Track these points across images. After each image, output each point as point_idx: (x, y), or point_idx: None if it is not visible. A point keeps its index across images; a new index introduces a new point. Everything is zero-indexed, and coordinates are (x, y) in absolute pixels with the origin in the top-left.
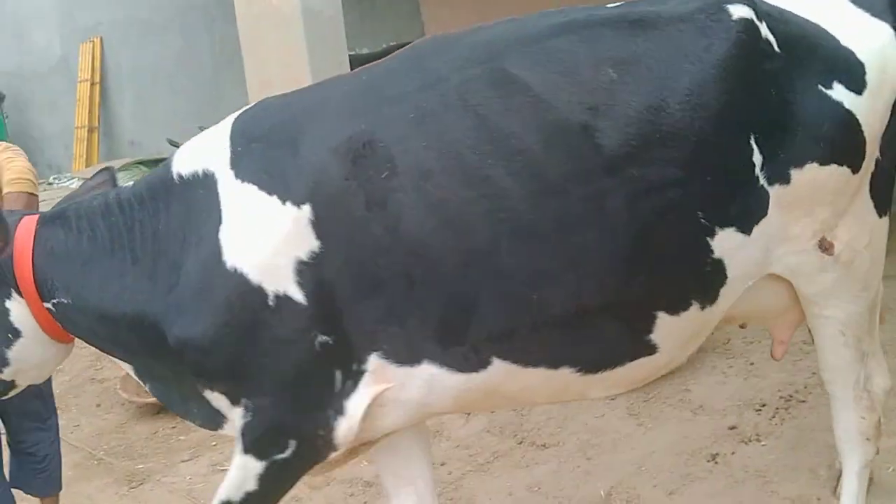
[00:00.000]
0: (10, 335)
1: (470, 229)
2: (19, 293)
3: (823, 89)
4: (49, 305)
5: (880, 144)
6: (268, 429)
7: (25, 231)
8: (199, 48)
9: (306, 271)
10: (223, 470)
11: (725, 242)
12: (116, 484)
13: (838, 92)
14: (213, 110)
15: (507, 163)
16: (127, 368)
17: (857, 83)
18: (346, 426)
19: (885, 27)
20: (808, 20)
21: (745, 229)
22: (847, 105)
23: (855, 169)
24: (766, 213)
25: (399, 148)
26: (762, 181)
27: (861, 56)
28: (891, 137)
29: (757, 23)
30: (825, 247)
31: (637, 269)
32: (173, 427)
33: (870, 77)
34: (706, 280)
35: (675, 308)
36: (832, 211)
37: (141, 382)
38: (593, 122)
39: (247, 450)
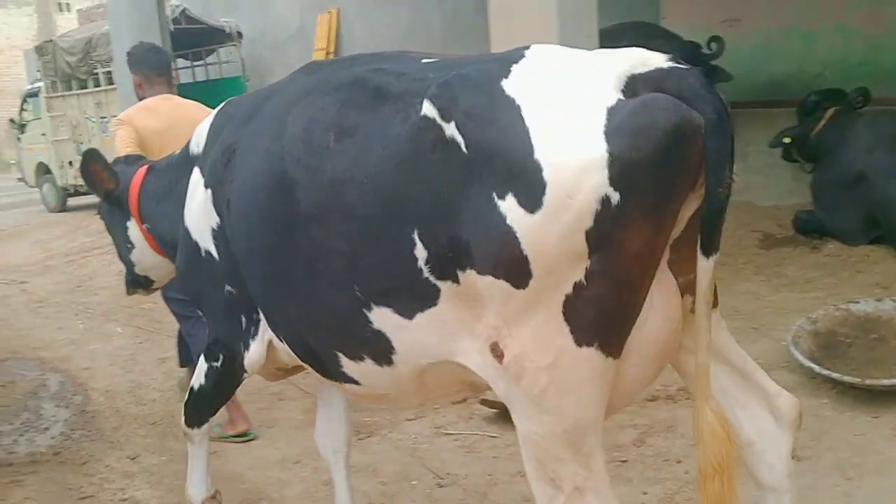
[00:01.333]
0: (129, 245)
1: (246, 237)
2: (131, 217)
3: (496, 199)
4: (146, 226)
5: (586, 270)
6: (212, 341)
7: (138, 175)
8: (430, 22)
9: (218, 237)
10: (447, 434)
11: (383, 319)
12: None
13: (507, 205)
14: (456, 38)
15: (258, 194)
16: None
17: (531, 201)
18: (251, 359)
19: (597, 148)
20: (513, 120)
21: (405, 314)
22: (510, 220)
23: (517, 285)
24: (434, 305)
25: (238, 162)
26: (427, 274)
27: (547, 174)
28: (600, 267)
29: (440, 122)
30: (496, 353)
31: (318, 312)
32: None
33: (549, 198)
34: (372, 343)
35: (352, 356)
36: (501, 320)
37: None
38: (302, 181)
39: (203, 352)
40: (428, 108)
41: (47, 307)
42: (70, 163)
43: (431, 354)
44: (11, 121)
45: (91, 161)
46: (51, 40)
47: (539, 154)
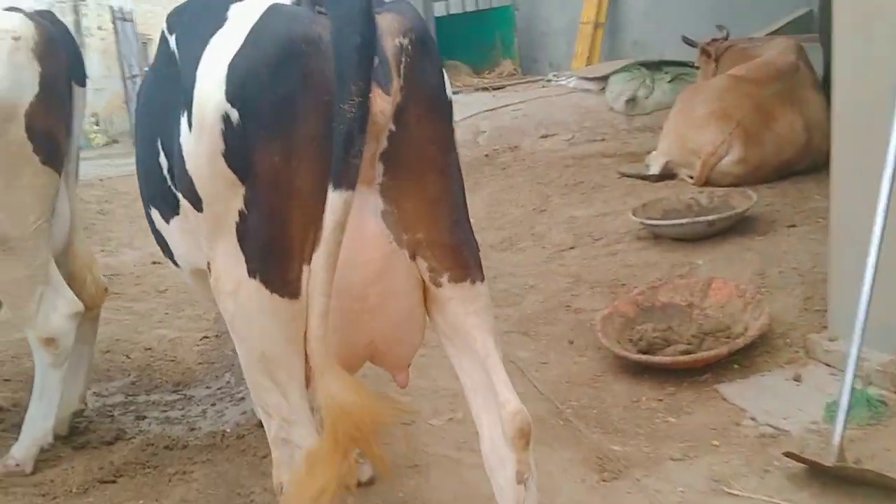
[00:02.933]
0: None
1: None
2: None
3: (181, 116)
4: None
5: (244, 198)
6: None
7: None
8: None
9: None
10: (730, 493)
11: (156, 219)
12: (584, 467)
13: (183, 123)
14: (730, 6)
15: None
16: None
17: (189, 122)
18: None
19: (222, 67)
20: (202, 39)
21: (164, 217)
22: (182, 139)
23: (195, 207)
24: (178, 213)
25: None
26: (169, 182)
27: (195, 93)
28: (252, 195)
29: (167, 35)
30: (210, 272)
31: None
32: (659, 400)
33: (195, 115)
34: (162, 242)
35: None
36: (204, 240)
37: None
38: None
39: None
40: (164, 23)
41: None
42: None
43: (190, 262)
44: None
45: None
46: None
47: (198, 72)
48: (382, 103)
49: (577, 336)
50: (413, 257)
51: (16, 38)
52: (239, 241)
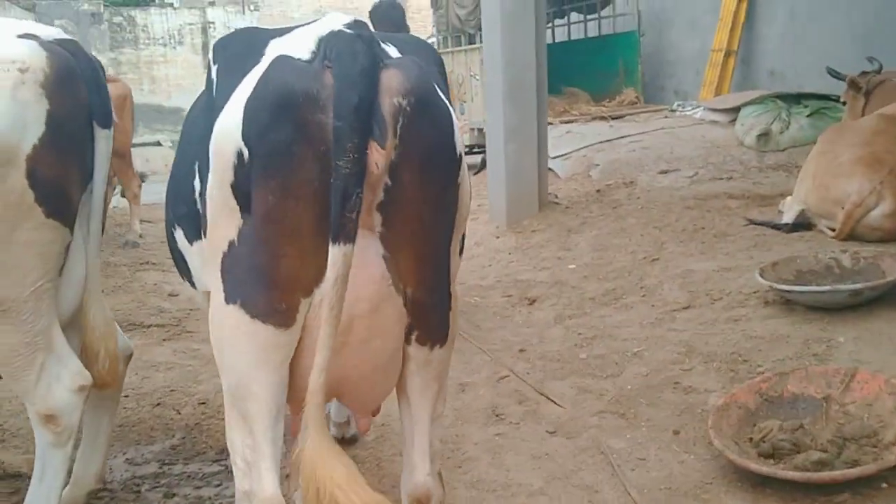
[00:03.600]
0: None
1: None
2: None
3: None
4: None
5: (238, 229)
6: None
7: None
8: None
9: None
10: None
11: (179, 238)
12: None
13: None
14: (881, 35)
15: None
16: None
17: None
18: None
19: (241, 108)
20: (236, 76)
21: (188, 238)
22: (201, 170)
23: (203, 231)
24: (202, 237)
25: None
26: (199, 205)
27: (220, 122)
28: (247, 227)
29: (211, 62)
30: None
31: None
32: None
33: (213, 145)
34: (181, 263)
35: (182, 278)
36: (205, 264)
37: None
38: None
39: None
40: (211, 52)
41: None
42: None
43: (204, 284)
44: None
45: None
46: None
47: (226, 105)
48: (377, 156)
49: (685, 425)
50: (405, 306)
51: (22, 71)
52: (221, 270)
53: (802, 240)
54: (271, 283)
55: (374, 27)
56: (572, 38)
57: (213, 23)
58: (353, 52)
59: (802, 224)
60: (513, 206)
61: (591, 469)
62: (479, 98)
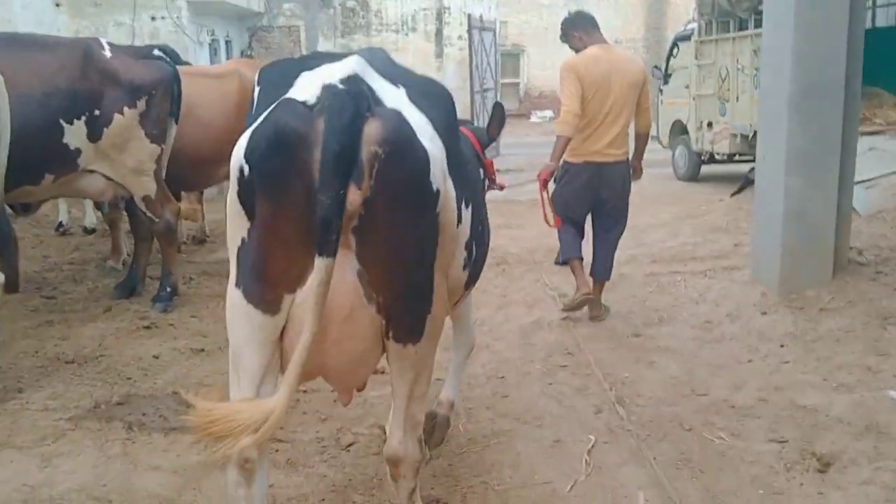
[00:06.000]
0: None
1: None
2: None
3: None
4: None
5: (248, 230)
6: None
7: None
8: None
9: None
10: None
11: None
12: None
13: None
14: None
15: None
16: None
17: None
18: None
19: (247, 136)
20: (268, 99)
21: None
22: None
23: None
24: None
25: None
26: None
27: (239, 141)
28: (252, 229)
29: (256, 83)
30: None
31: None
32: None
33: (232, 158)
34: None
35: None
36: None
37: None
38: None
39: None
40: (257, 75)
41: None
42: (709, 124)
43: None
44: (655, 67)
45: None
46: None
47: (249, 122)
48: (353, 195)
49: None
50: (379, 312)
51: None
52: (236, 259)
53: None
54: (262, 278)
55: (574, 31)
56: (876, 25)
57: (448, 8)
58: (340, 106)
59: None
60: (791, 266)
61: None
62: (747, 97)
